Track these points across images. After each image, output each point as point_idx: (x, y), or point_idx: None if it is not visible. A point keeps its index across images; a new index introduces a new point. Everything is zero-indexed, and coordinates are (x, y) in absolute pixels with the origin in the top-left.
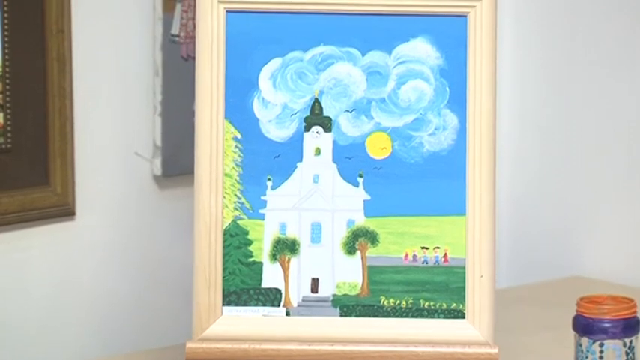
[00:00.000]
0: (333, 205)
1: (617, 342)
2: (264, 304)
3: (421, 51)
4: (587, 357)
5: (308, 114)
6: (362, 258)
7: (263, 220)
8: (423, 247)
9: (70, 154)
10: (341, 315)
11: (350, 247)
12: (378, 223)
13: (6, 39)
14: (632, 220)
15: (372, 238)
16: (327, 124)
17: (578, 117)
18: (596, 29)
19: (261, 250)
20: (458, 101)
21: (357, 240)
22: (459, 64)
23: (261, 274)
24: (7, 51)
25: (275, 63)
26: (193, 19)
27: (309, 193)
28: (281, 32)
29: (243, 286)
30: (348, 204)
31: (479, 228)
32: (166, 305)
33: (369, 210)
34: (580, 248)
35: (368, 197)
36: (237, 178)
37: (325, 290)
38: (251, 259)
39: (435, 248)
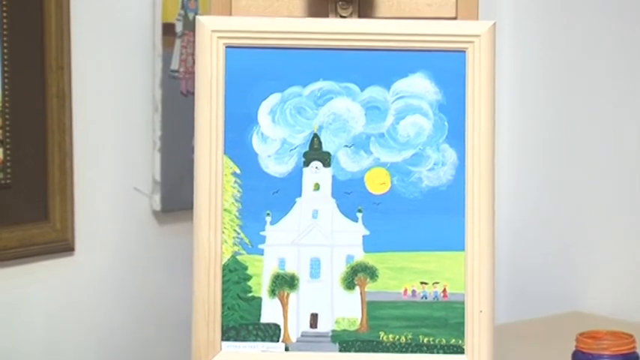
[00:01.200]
0: (332, 240)
1: None
2: (263, 340)
3: (420, 86)
4: None
5: (307, 149)
6: (361, 293)
7: (262, 255)
8: (422, 283)
9: (70, 190)
10: (340, 350)
11: (349, 283)
12: (377, 259)
13: (6, 75)
14: (631, 256)
15: (371, 273)
16: (326, 159)
17: (578, 151)
18: (595, 61)
19: (260, 285)
20: (456, 136)
21: (356, 275)
22: (457, 99)
23: (260, 309)
24: (6, 87)
25: (274, 98)
26: (193, 54)
27: (308, 229)
28: (280, 68)
29: (242, 322)
30: (347, 239)
31: (478, 263)
32: (165, 340)
33: (368, 245)
34: (579, 284)
35: (367, 232)
36: (237, 214)
37: (324, 326)
38: (250, 295)
39: (434, 284)
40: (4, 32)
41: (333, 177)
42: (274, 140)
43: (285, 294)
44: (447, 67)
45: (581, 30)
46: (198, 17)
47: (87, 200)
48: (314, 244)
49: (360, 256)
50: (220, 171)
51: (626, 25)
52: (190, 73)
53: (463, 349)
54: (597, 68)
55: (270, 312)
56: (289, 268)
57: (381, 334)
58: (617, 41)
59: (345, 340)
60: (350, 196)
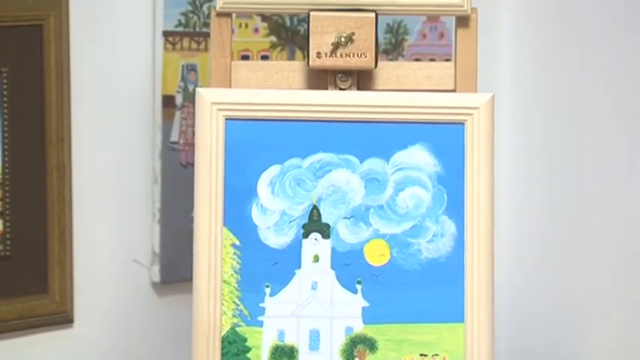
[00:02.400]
0: (332, 312)
1: None
2: None
3: (419, 158)
4: None
5: (306, 221)
6: None
7: (261, 327)
8: (421, 355)
9: (69, 262)
10: None
11: (348, 355)
12: (376, 331)
13: (6, 146)
14: (632, 321)
15: (370, 345)
16: (325, 231)
17: (578, 212)
18: (595, 130)
19: (260, 357)
20: (455, 208)
21: (355, 347)
22: (456, 171)
23: None
24: (6, 158)
25: (274, 170)
26: (192, 126)
27: (307, 300)
28: (280, 140)
29: None
30: (346, 311)
31: (477, 335)
32: None
33: (368, 317)
34: (579, 352)
35: (366, 304)
36: (236, 285)
37: None
38: None
39: (433, 356)
40: (5, 104)
41: (333, 249)
42: (274, 212)
43: None
44: (446, 139)
45: (580, 100)
46: (198, 89)
47: (86, 272)
48: (313, 315)
49: (359, 327)
50: (220, 242)
51: (631, 87)
52: (190, 145)
53: None
54: (596, 136)
55: None
56: (288, 340)
57: None
58: (618, 107)
59: None
60: (349, 268)
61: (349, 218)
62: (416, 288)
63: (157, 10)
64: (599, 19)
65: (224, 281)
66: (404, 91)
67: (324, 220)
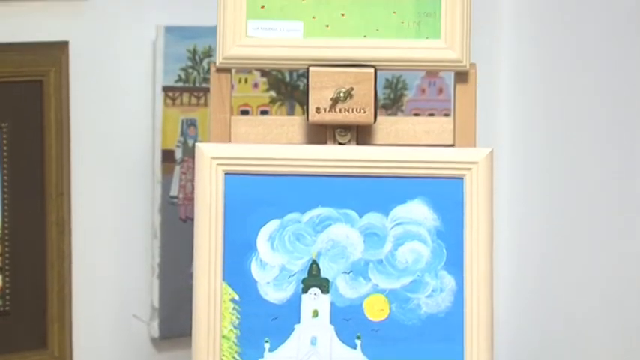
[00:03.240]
0: None
1: None
2: None
3: (418, 213)
4: None
5: (306, 275)
6: None
7: None
8: None
9: (68, 317)
10: None
11: None
12: None
13: (6, 201)
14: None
15: None
16: (324, 286)
17: (575, 268)
18: (596, 174)
19: None
20: (455, 263)
21: None
22: (455, 225)
23: None
24: (6, 213)
25: (273, 225)
26: (192, 181)
27: (306, 356)
28: (279, 194)
29: None
30: None
31: None
32: None
33: None
34: None
35: (366, 359)
36: (235, 340)
37: None
38: None
39: None
40: (5, 159)
41: (332, 303)
42: (273, 267)
43: None
44: (445, 193)
45: (579, 152)
46: (197, 144)
47: (85, 327)
48: None
49: None
50: (219, 297)
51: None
52: (189, 200)
53: None
54: (595, 188)
55: None
56: None
57: None
58: (617, 159)
59: None
60: (349, 323)
61: (348, 273)
62: (415, 343)
63: (156, 65)
64: (596, 74)
65: (223, 336)
66: (403, 145)
67: (323, 274)
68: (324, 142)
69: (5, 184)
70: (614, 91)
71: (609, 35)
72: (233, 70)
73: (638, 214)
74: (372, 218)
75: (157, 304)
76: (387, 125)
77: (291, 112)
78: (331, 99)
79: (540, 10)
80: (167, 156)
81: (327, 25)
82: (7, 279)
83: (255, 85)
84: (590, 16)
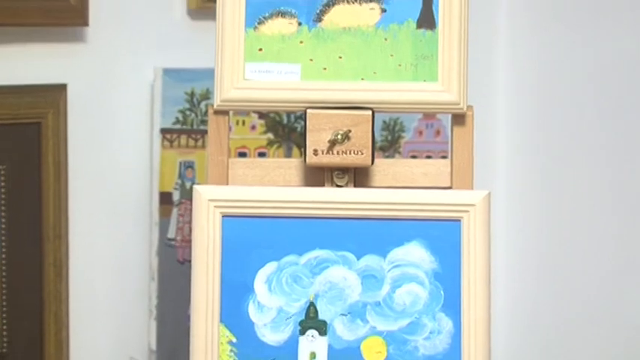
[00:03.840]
0: None
1: None
2: None
3: (415, 255)
4: None
5: (303, 317)
6: None
7: None
8: None
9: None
10: None
11: None
12: None
13: (3, 243)
14: None
15: None
16: (322, 328)
17: (573, 313)
18: (592, 219)
19: None
20: (452, 305)
21: None
22: (453, 268)
23: None
24: (4, 255)
25: (270, 267)
26: (190, 223)
27: None
28: (276, 237)
29: None
30: None
31: None
32: None
33: None
34: None
35: None
36: None
37: None
38: None
39: None
40: (3, 200)
41: (330, 346)
42: (270, 309)
43: None
44: (443, 236)
45: (575, 196)
46: (195, 186)
47: None
48: None
49: None
50: (216, 340)
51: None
52: (187, 242)
53: None
54: (591, 235)
55: None
56: None
57: None
58: (614, 207)
59: None
60: None
61: (346, 315)
62: None
63: (154, 107)
64: (593, 117)
65: None
66: (400, 188)
67: (320, 317)
68: (322, 184)
69: (3, 226)
70: (610, 135)
71: (607, 79)
72: (231, 113)
73: (636, 258)
74: (370, 260)
75: (154, 346)
76: (384, 167)
77: (288, 154)
78: (329, 141)
79: (537, 52)
80: (165, 198)
81: (325, 68)
82: (4, 321)
83: (253, 128)
84: (587, 62)
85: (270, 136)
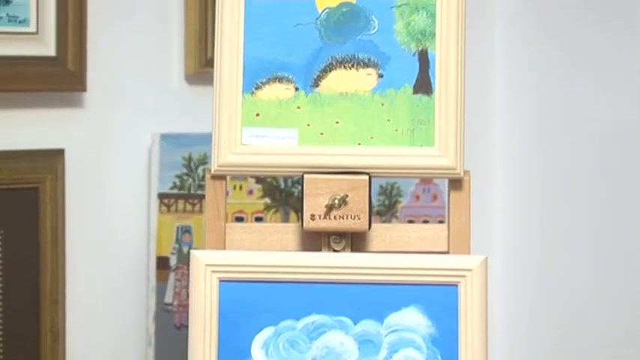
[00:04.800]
0: None
1: None
2: None
3: (412, 320)
4: None
5: None
6: None
7: None
8: None
9: None
10: None
11: None
12: None
13: (0, 308)
14: None
15: None
16: None
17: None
18: (589, 284)
19: None
20: None
21: None
22: (450, 332)
23: None
24: (0, 320)
25: (268, 332)
26: (187, 287)
27: None
28: (273, 301)
29: None
30: None
31: None
32: None
33: None
34: None
35: None
36: None
37: None
38: None
39: None
40: (0, 265)
41: None
42: None
43: None
44: (440, 300)
45: (572, 263)
46: (192, 252)
47: None
48: None
49: None
50: None
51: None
52: (184, 307)
53: None
54: (589, 305)
55: None
56: None
57: None
58: (614, 270)
59: None
60: None
61: None
62: None
63: (152, 172)
64: (592, 178)
65: None
66: (397, 252)
67: None
68: (319, 249)
69: (0, 290)
70: (611, 200)
71: (608, 145)
72: (228, 177)
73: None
74: (367, 325)
75: None
76: (381, 232)
77: (285, 219)
78: (326, 206)
79: (536, 115)
80: (162, 263)
81: (322, 133)
82: None
83: (250, 192)
84: (589, 125)
85: (268, 200)
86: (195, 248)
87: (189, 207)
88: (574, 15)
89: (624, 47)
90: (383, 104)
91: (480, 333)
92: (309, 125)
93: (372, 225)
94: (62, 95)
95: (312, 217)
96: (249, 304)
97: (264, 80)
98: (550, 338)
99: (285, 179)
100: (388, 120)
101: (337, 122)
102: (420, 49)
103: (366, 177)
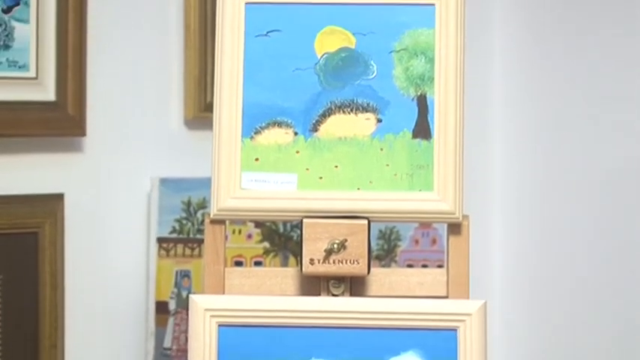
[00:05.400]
0: None
1: None
2: None
3: None
4: None
5: None
6: None
7: None
8: None
9: None
10: None
11: None
12: None
13: (0, 353)
14: None
15: None
16: None
17: None
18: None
19: None
20: None
21: None
22: None
23: None
24: None
25: None
26: (186, 332)
27: None
28: (273, 346)
29: None
30: None
31: None
32: None
33: None
34: None
35: None
36: None
37: None
38: None
39: None
40: None
41: None
42: None
43: None
44: (439, 345)
45: (574, 306)
46: (191, 296)
47: None
48: None
49: None
50: None
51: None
52: (183, 351)
53: None
54: (588, 333)
55: None
56: None
57: None
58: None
59: None
60: None
61: None
62: None
63: (151, 216)
64: (585, 232)
65: None
66: (397, 297)
67: None
68: (318, 293)
69: None
70: (606, 244)
71: (607, 190)
72: (227, 222)
73: None
74: None
75: None
76: (380, 277)
77: (284, 263)
78: (325, 250)
79: (532, 166)
80: (161, 307)
81: (321, 177)
82: None
83: (249, 236)
84: (589, 170)
85: (267, 244)
86: (194, 292)
87: (188, 251)
88: (574, 56)
89: (625, 90)
90: (382, 149)
91: None
92: (308, 170)
93: (372, 269)
94: (62, 140)
95: (312, 261)
96: (249, 349)
97: (263, 125)
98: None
99: (285, 223)
100: (387, 165)
101: (336, 167)
102: (418, 94)
103: (365, 221)
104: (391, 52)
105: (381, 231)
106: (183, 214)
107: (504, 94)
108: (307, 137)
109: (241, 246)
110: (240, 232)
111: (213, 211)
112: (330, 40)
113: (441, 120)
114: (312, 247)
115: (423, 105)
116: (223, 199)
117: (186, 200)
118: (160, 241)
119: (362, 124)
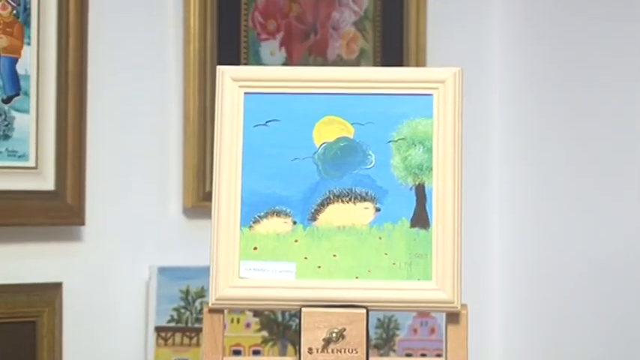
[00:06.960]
0: None
1: None
2: None
3: None
4: None
5: None
6: None
7: None
8: None
9: None
10: None
11: None
12: None
13: None
14: None
15: None
16: None
17: None
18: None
19: None
20: None
21: None
22: None
23: None
24: None
25: None
26: None
27: None
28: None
29: None
30: None
31: None
32: None
33: None
34: None
35: None
36: None
37: None
38: None
39: None
40: None
41: None
42: None
43: None
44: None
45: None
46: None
47: None
48: None
49: None
50: None
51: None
52: None
53: None
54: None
55: None
56: None
57: None
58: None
59: None
60: None
61: None
62: None
63: (149, 305)
64: (587, 321)
65: None
66: None
67: None
68: None
69: None
70: (610, 322)
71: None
72: (225, 310)
73: None
74: None
75: None
76: None
77: (283, 352)
78: (323, 340)
79: (529, 254)
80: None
81: (320, 266)
82: None
83: (248, 325)
84: (589, 251)
85: (265, 333)
86: None
87: (186, 340)
88: (572, 126)
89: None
90: (380, 238)
91: None
92: (306, 259)
93: (370, 359)
94: (61, 229)
95: (310, 350)
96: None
97: (261, 214)
98: None
99: (283, 312)
100: (386, 254)
101: (335, 256)
102: (416, 183)
103: (364, 310)
104: (389, 141)
105: (379, 319)
106: (182, 303)
107: (500, 188)
108: (306, 226)
109: (240, 335)
110: (238, 320)
111: (212, 300)
112: (329, 130)
113: (439, 209)
114: (311, 337)
115: (421, 194)
116: (222, 288)
117: (185, 289)
118: (159, 330)
119: (360, 213)
